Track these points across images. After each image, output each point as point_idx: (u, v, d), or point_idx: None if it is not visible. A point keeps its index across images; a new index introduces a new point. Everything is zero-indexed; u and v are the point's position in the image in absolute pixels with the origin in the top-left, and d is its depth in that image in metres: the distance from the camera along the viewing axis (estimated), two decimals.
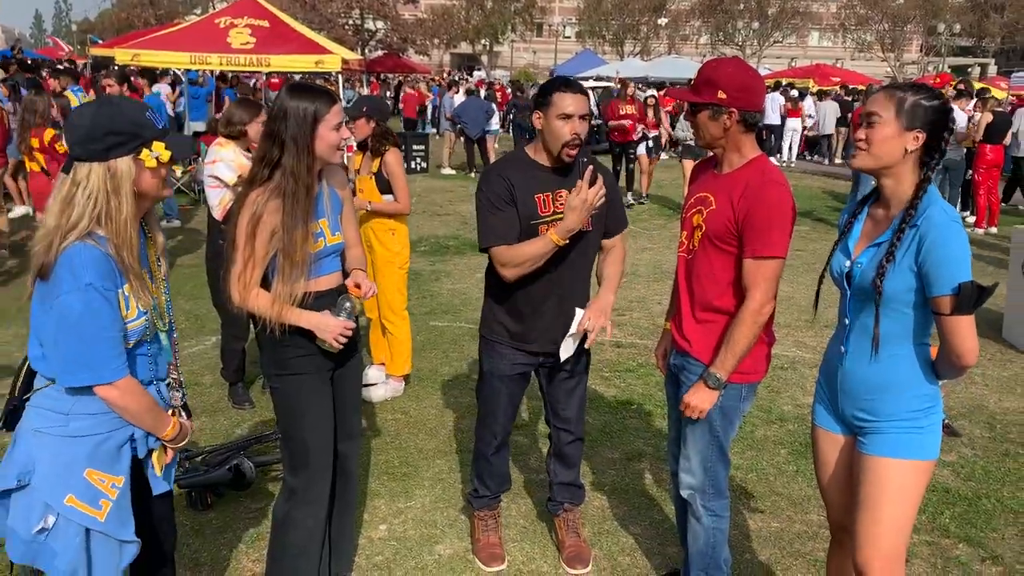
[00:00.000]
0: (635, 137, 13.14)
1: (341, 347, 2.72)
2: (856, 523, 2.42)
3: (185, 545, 3.50)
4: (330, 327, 2.65)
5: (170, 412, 2.36)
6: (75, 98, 10.43)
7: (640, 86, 21.95)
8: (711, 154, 2.78)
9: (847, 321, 2.45)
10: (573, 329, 3.01)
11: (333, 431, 2.90)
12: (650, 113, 13.56)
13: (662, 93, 21.99)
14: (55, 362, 2.09)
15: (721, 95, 2.56)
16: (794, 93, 19.90)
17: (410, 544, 3.59)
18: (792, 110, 19.28)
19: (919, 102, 2.26)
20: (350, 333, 2.69)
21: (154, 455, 2.34)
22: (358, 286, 2.80)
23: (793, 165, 19.15)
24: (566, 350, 3.08)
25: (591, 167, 2.89)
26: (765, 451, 4.51)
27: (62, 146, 7.24)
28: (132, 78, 11.04)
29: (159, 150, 2.09)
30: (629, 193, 13.49)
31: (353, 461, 3.09)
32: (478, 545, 3.50)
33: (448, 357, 5.92)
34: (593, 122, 19.50)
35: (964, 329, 2.20)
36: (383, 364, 5.30)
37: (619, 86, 15.68)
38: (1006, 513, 3.93)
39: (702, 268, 2.72)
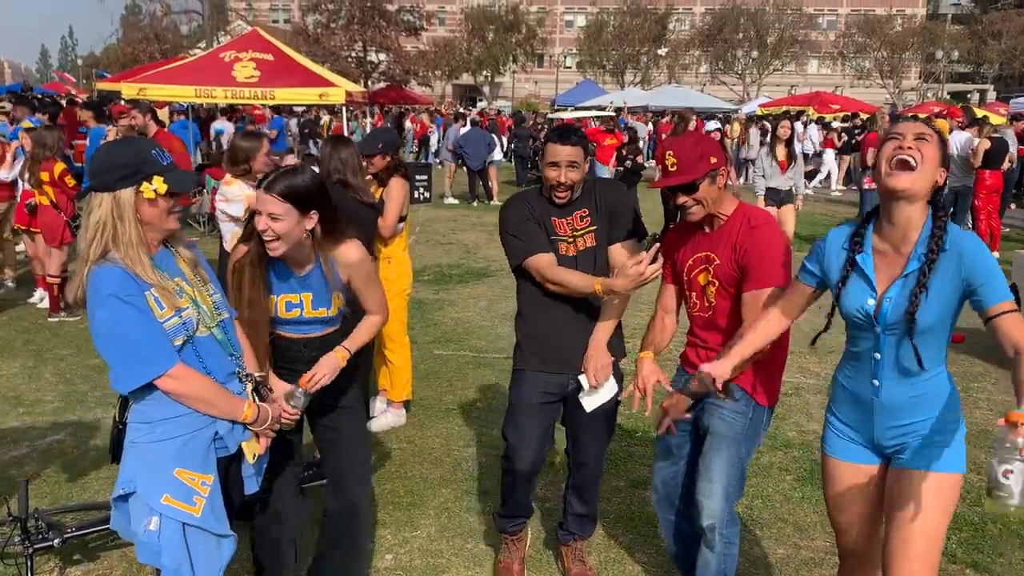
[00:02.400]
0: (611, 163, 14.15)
1: (280, 428, 2.69)
2: (891, 541, 2.39)
3: None
4: (265, 417, 2.55)
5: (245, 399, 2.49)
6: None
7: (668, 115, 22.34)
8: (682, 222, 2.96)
9: (878, 356, 2.43)
10: (585, 387, 3.18)
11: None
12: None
13: (664, 120, 22.20)
14: (116, 374, 2.27)
15: (713, 160, 2.77)
16: (835, 124, 20.32)
17: (416, 574, 3.58)
18: (827, 140, 19.73)
19: (944, 145, 2.36)
20: (286, 420, 2.70)
21: (244, 446, 2.49)
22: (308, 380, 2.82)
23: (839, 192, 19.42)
24: (588, 404, 3.20)
25: (657, 244, 2.95)
26: (771, 477, 4.51)
27: (71, 180, 7.31)
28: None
29: (157, 183, 2.28)
30: None
31: (362, 508, 3.13)
32: (499, 566, 3.55)
33: (452, 386, 5.93)
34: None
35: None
36: (384, 390, 5.32)
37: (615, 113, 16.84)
38: (1012, 538, 3.92)
39: (730, 316, 2.88)
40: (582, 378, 3.19)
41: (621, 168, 12.91)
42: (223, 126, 15.84)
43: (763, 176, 9.62)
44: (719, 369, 2.56)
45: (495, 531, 3.60)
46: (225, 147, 13.18)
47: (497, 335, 7.08)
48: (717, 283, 2.88)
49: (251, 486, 2.59)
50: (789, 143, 9.67)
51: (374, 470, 4.55)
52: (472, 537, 3.88)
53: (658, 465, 3.17)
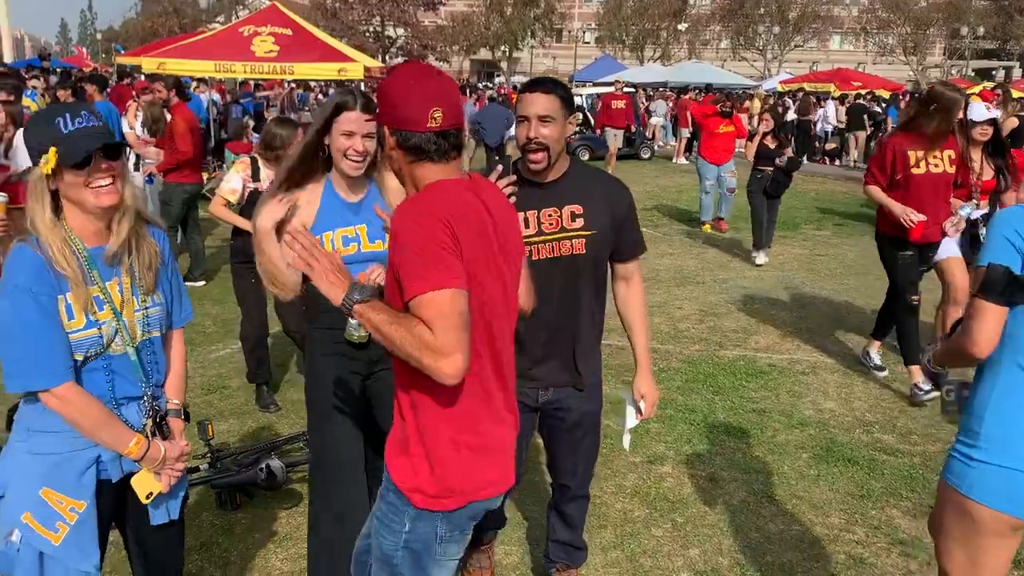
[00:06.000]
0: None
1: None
2: None
3: (215, 544, 3.58)
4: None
5: (142, 432, 2.21)
6: (32, 103, 10.37)
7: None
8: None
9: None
10: (629, 424, 2.99)
11: (361, 441, 2.89)
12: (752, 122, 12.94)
13: (687, 97, 22.04)
14: (4, 372, 2.04)
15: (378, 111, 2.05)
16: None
17: None
18: None
19: None
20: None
21: (134, 480, 2.20)
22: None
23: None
24: (627, 440, 3.11)
25: (500, 166, 2.69)
26: (787, 455, 4.53)
27: None
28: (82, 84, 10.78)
29: (50, 154, 1.99)
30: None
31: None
32: None
33: None
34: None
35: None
36: None
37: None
38: None
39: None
40: (628, 414, 2.95)
41: (765, 170, 9.12)
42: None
43: None
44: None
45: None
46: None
47: None
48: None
49: (157, 516, 2.27)
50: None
51: None
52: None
53: None
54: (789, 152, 9.32)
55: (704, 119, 11.26)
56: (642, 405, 2.94)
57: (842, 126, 20.66)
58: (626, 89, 19.87)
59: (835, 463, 4.45)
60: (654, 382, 2.97)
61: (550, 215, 2.69)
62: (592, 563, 3.48)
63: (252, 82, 18.55)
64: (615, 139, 17.08)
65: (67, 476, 2.12)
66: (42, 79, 13.57)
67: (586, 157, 18.81)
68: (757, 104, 15.56)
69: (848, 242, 10.53)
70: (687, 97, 22.03)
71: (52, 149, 1.99)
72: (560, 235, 2.70)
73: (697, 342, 6.47)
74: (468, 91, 23.23)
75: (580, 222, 2.70)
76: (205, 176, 12.22)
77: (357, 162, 2.67)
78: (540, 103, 2.59)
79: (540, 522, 3.75)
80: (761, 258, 9.26)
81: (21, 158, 7.36)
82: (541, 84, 2.64)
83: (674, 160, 19.96)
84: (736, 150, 11.26)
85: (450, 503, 1.93)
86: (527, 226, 2.68)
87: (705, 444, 4.63)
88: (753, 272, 8.94)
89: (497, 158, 16.44)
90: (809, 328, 6.91)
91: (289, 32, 12.59)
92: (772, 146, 9.15)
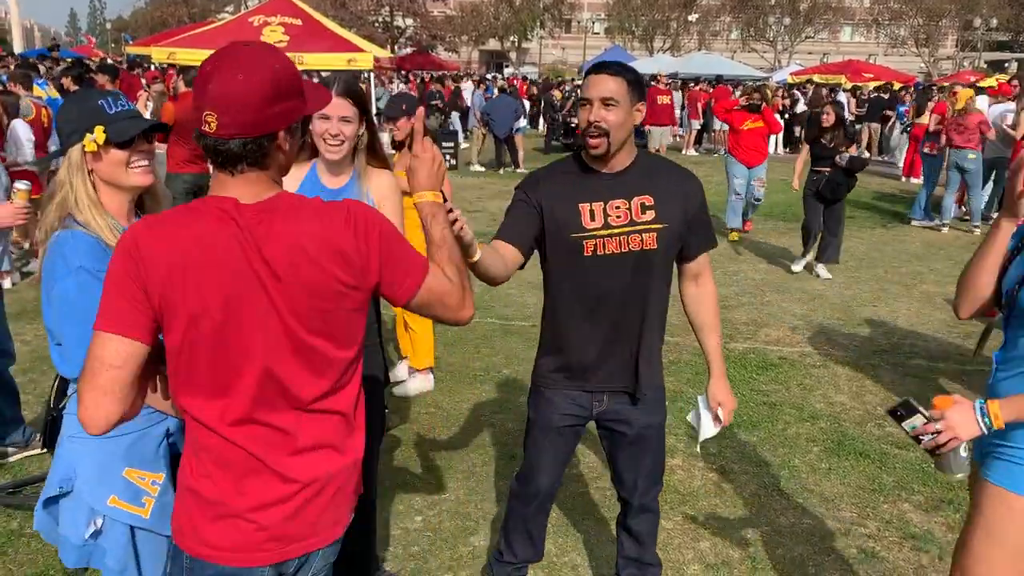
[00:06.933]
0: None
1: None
2: (952, 567, 2.24)
3: None
4: None
5: None
6: (42, 91, 10.29)
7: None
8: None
9: (1005, 335, 2.21)
10: (708, 434, 2.77)
11: None
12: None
13: (697, 88, 21.94)
14: (67, 355, 2.06)
15: None
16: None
17: (445, 535, 3.65)
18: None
19: None
20: None
21: None
22: None
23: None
24: (700, 448, 2.97)
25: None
26: (797, 448, 4.52)
27: None
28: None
29: (97, 133, 2.08)
30: None
31: (369, 464, 2.98)
32: None
33: (479, 352, 5.97)
34: None
35: None
36: (407, 357, 5.37)
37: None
38: None
39: None
40: (705, 421, 2.76)
41: (823, 171, 8.04)
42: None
43: None
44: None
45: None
46: None
47: (524, 303, 7.10)
48: None
49: None
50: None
51: (403, 434, 4.62)
52: (501, 500, 3.93)
53: None
54: (854, 150, 8.19)
55: (727, 114, 9.89)
56: (720, 412, 2.73)
57: (853, 118, 20.54)
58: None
59: (846, 456, 4.43)
60: (730, 387, 2.76)
61: (617, 207, 2.49)
62: (602, 555, 3.48)
63: None
64: (661, 138, 15.81)
65: (146, 452, 2.18)
66: (51, 68, 13.59)
67: None
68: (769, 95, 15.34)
69: (859, 235, 10.48)
70: (697, 88, 21.91)
71: (99, 127, 2.07)
72: (629, 228, 2.50)
73: None
74: (479, 82, 23.10)
75: (651, 214, 2.50)
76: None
77: (334, 145, 2.72)
78: (604, 85, 2.40)
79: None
80: (796, 266, 8.57)
81: (15, 148, 7.42)
82: (607, 66, 2.45)
83: (683, 152, 19.91)
84: (771, 151, 10.07)
85: (177, 541, 1.78)
86: (592, 219, 2.49)
87: (716, 437, 4.61)
88: (763, 265, 8.91)
89: (507, 149, 16.45)
90: (820, 321, 6.88)
91: (299, 22, 12.61)
92: (831, 145, 7.98)
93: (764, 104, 9.60)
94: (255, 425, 1.69)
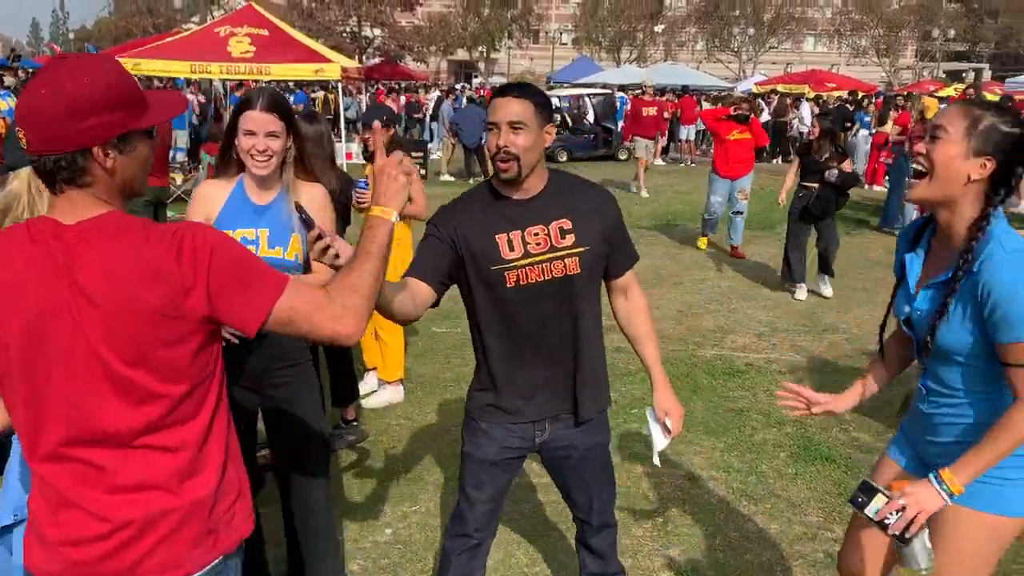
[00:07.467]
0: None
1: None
2: None
3: None
4: None
5: None
6: (4, 102, 10.14)
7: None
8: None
9: (922, 365, 2.23)
10: (660, 446, 2.74)
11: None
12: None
13: (664, 99, 22.14)
14: None
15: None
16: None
17: (415, 547, 3.64)
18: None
19: (996, 125, 1.97)
20: None
21: None
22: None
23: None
24: (656, 460, 2.85)
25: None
26: (764, 454, 4.57)
27: None
28: None
29: None
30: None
31: (314, 494, 3.04)
32: None
33: (450, 363, 5.97)
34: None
35: None
36: (375, 368, 5.35)
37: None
38: None
39: None
40: (655, 433, 2.72)
41: (811, 186, 7.67)
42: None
43: None
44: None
45: None
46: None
47: None
48: None
49: None
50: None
51: (373, 446, 4.60)
52: None
53: None
54: (848, 166, 7.66)
55: (716, 123, 9.48)
56: (668, 423, 2.69)
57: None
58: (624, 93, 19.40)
59: (813, 462, 4.49)
60: (675, 396, 2.71)
61: (536, 234, 2.39)
62: (571, 564, 3.49)
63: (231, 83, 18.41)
64: (646, 151, 15.11)
65: None
66: (13, 77, 13.34)
67: (563, 159, 18.87)
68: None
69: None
70: (663, 98, 22.11)
71: None
72: (551, 255, 2.40)
73: (675, 342, 6.50)
74: (448, 92, 23.17)
75: (571, 238, 2.41)
76: (180, 178, 12.14)
77: (261, 161, 2.72)
78: (510, 108, 2.32)
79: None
80: (800, 293, 7.91)
81: None
82: (513, 88, 2.37)
83: (650, 161, 20.07)
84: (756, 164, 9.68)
85: (25, 562, 1.71)
86: (511, 248, 2.37)
87: (683, 444, 4.65)
88: (730, 272, 9.00)
89: (476, 159, 16.47)
90: (785, 327, 6.97)
91: (265, 32, 12.54)
92: (821, 158, 7.60)
93: (752, 115, 9.36)
94: (67, 461, 1.59)
